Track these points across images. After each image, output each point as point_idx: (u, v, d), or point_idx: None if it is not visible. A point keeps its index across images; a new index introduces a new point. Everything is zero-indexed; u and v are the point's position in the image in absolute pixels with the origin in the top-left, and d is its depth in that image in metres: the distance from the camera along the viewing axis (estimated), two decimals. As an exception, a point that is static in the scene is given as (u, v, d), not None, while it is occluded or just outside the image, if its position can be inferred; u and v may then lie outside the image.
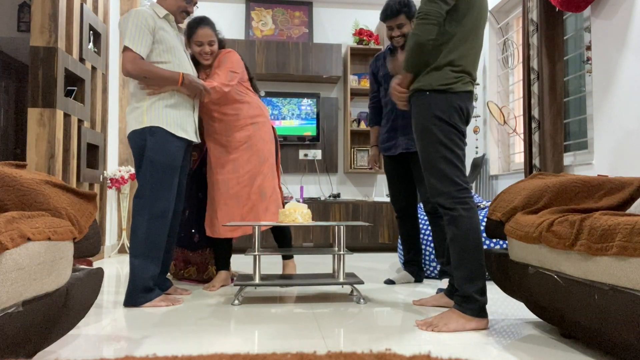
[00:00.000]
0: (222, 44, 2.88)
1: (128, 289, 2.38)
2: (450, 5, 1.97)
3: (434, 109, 2.00)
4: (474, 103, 4.81)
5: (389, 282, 3.07)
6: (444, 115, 1.99)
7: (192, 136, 2.56)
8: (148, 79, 2.36)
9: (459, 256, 1.96)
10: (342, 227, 2.55)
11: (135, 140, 2.41)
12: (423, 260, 3.28)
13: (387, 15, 2.92)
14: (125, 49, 2.34)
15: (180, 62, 2.48)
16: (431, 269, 3.28)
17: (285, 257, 3.10)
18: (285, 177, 5.38)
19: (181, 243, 3.10)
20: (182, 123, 2.48)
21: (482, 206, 3.33)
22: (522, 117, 3.97)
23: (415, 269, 3.14)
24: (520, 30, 4.27)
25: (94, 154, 4.08)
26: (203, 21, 2.78)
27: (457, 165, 2.00)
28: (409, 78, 2.10)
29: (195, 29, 2.75)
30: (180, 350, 1.69)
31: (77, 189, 1.69)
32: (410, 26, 2.91)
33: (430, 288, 2.92)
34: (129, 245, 2.42)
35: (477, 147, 4.89)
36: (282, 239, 3.05)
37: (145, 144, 2.38)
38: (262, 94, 3.42)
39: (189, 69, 2.54)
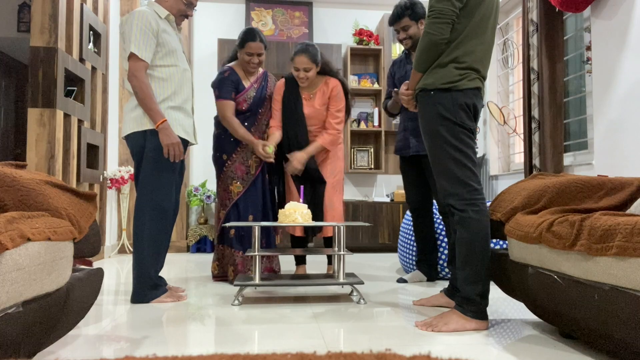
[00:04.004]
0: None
1: (135, 286, 2.42)
2: (463, 3, 1.95)
3: (440, 108, 1.97)
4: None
5: (402, 281, 3.10)
6: (450, 115, 1.96)
7: (192, 138, 2.61)
8: (139, 96, 2.35)
9: (464, 257, 1.95)
10: (342, 227, 2.55)
11: (136, 140, 2.42)
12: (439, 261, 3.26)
13: (391, 19, 2.93)
14: (132, 56, 2.33)
15: (180, 65, 2.51)
16: (447, 270, 3.25)
17: (330, 262, 3.30)
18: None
19: (237, 245, 3.04)
20: (184, 124, 2.52)
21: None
22: (522, 117, 3.97)
23: (427, 269, 3.15)
24: (520, 30, 4.27)
25: (94, 154, 4.08)
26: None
27: (467, 165, 1.97)
28: (418, 77, 2.07)
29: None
30: (180, 350, 1.68)
31: (77, 189, 1.69)
32: (416, 27, 2.90)
33: (436, 289, 2.92)
34: (133, 243, 2.45)
35: (477, 147, 4.89)
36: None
37: (146, 144, 2.39)
38: None
39: (188, 69, 2.58)
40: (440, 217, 3.22)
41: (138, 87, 2.33)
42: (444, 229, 3.21)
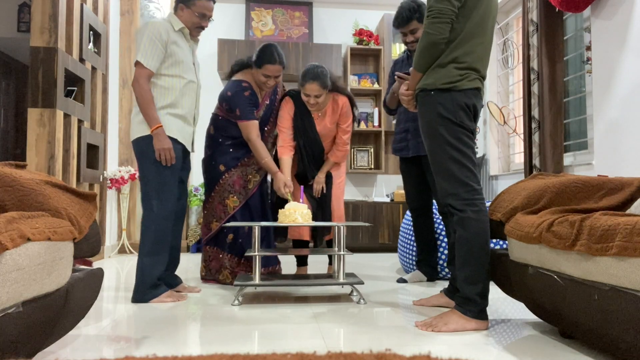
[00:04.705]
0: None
1: (136, 285, 2.47)
2: (461, 3, 1.95)
3: (439, 108, 1.97)
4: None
5: (402, 281, 3.11)
6: (450, 115, 1.96)
7: (188, 145, 2.67)
8: (138, 101, 2.46)
9: (463, 257, 1.95)
10: (342, 227, 2.55)
11: (140, 146, 2.49)
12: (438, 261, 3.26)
13: (399, 22, 2.89)
14: (138, 63, 2.45)
15: (185, 76, 2.56)
16: (447, 270, 3.25)
17: (331, 262, 3.26)
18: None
19: (236, 252, 3.00)
20: (182, 131, 2.58)
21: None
22: (522, 117, 3.97)
23: (427, 269, 3.15)
24: (520, 30, 4.27)
25: (94, 154, 4.08)
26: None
27: (467, 165, 1.97)
28: (418, 78, 2.07)
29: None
30: (180, 350, 1.68)
31: (77, 189, 1.69)
32: None
33: (436, 289, 2.92)
34: (139, 244, 2.52)
35: (477, 147, 4.90)
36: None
37: (149, 149, 2.46)
38: None
39: (194, 80, 2.63)
40: (440, 217, 3.22)
41: (138, 93, 2.45)
42: (444, 229, 3.21)
